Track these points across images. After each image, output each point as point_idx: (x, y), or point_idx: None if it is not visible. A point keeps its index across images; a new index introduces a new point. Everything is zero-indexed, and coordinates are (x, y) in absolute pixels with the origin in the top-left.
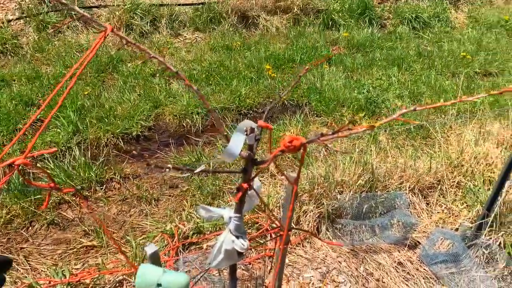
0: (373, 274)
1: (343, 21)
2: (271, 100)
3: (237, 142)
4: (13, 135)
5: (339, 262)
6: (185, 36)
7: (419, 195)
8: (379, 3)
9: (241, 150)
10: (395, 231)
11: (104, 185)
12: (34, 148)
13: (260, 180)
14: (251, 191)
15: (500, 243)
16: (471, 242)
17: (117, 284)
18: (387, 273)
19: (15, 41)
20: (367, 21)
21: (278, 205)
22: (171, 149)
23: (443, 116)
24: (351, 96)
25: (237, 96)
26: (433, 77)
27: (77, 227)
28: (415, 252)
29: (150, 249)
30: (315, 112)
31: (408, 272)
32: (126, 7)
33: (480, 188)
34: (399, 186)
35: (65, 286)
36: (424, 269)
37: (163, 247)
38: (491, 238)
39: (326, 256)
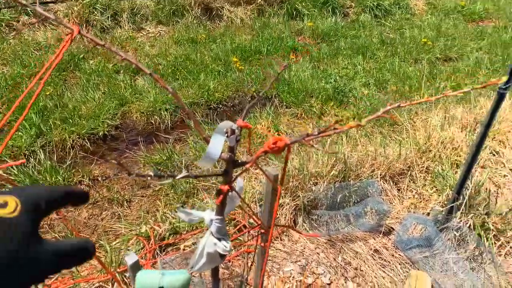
0: (351, 263)
1: (306, 11)
2: (241, 93)
3: (216, 145)
4: None
5: (318, 253)
6: (148, 30)
7: (390, 182)
8: None
9: (221, 152)
10: (369, 219)
11: None
12: None
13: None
14: (233, 192)
15: (470, 225)
16: (442, 226)
17: None
18: (364, 261)
19: None
20: (330, 10)
21: (253, 199)
22: (140, 148)
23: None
24: (319, 86)
25: (206, 91)
26: (397, 64)
27: (47, 234)
28: (389, 239)
29: (130, 259)
30: (284, 103)
31: (384, 259)
32: (85, 2)
33: (448, 172)
34: (370, 174)
35: None
36: (399, 254)
37: (139, 250)
38: (461, 221)
39: (304, 248)
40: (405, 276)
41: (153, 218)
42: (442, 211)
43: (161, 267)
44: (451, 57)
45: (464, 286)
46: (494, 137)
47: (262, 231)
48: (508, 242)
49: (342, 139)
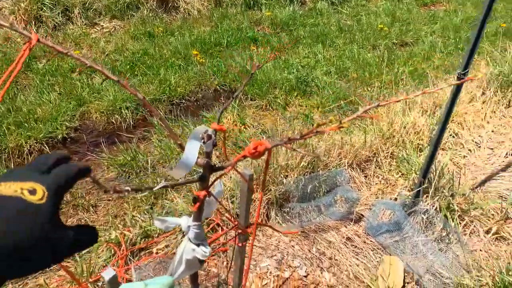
0: (326, 253)
1: (264, 0)
2: (203, 87)
3: (192, 151)
4: None
5: (292, 246)
6: (102, 26)
7: (358, 169)
8: None
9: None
10: (339, 207)
11: None
12: None
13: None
14: (210, 197)
15: (436, 207)
16: (410, 210)
17: None
18: (338, 250)
19: None
20: None
21: (225, 197)
22: (102, 149)
23: (369, 89)
24: (282, 76)
25: (167, 86)
26: (356, 51)
27: None
28: (360, 226)
29: (107, 274)
30: (249, 96)
31: (356, 246)
32: None
33: (412, 156)
34: (338, 163)
35: None
36: (370, 240)
37: (110, 257)
38: (428, 204)
39: (279, 242)
40: (378, 262)
41: (122, 223)
42: (409, 195)
43: (135, 273)
44: (407, 42)
45: (434, 267)
46: (453, 119)
47: (240, 231)
48: (472, 221)
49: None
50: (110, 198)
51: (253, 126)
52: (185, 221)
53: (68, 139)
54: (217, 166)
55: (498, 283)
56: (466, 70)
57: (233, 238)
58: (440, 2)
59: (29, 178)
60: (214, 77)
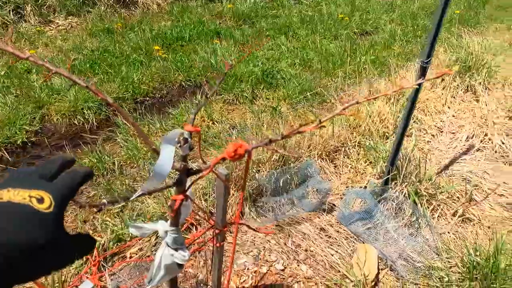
0: (301, 245)
1: None
2: (168, 83)
3: (167, 157)
4: None
5: (268, 240)
6: (58, 23)
7: (327, 159)
8: None
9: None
10: (312, 198)
11: None
12: None
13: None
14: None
15: (405, 193)
16: (380, 197)
17: None
18: (312, 241)
19: None
20: None
21: (197, 195)
22: (66, 152)
23: (333, 80)
24: (247, 70)
25: (130, 83)
26: (319, 42)
27: None
28: (333, 215)
29: (85, 286)
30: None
31: (330, 236)
32: None
33: (378, 144)
34: (309, 154)
35: None
36: (343, 230)
37: (82, 264)
38: (397, 191)
39: (254, 238)
40: (352, 250)
41: (92, 228)
42: (378, 183)
43: (109, 279)
44: (367, 31)
45: (406, 252)
46: (416, 106)
47: (217, 231)
48: (439, 205)
49: (278, 124)
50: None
51: (222, 121)
52: (162, 226)
53: (29, 144)
54: (194, 169)
55: (467, 263)
56: (429, 59)
57: (210, 239)
58: None
59: (36, 186)
60: (178, 72)
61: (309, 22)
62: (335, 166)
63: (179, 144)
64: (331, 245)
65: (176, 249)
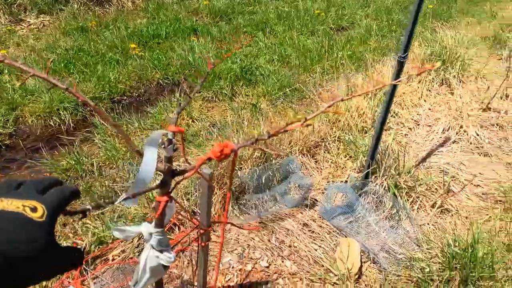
0: (285, 242)
1: None
2: (145, 82)
3: (150, 159)
4: None
5: (252, 238)
6: (29, 22)
7: (308, 155)
8: None
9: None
10: (294, 194)
11: None
12: None
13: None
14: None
15: (385, 186)
16: (361, 191)
17: None
18: (296, 237)
19: None
20: None
21: (179, 194)
22: (42, 155)
23: (311, 75)
24: (226, 67)
25: (107, 83)
26: (296, 38)
27: None
28: (315, 210)
29: None
30: (193, 88)
31: (313, 231)
32: None
33: (358, 138)
34: (290, 151)
35: None
36: (326, 224)
37: None
38: (377, 184)
39: (238, 235)
40: (335, 244)
41: (72, 231)
42: (359, 177)
43: (92, 283)
44: (343, 26)
45: (387, 244)
46: (393, 100)
47: (202, 231)
48: (418, 197)
49: (258, 121)
50: None
51: (201, 119)
52: (146, 228)
53: (3, 147)
54: (178, 170)
55: (447, 254)
56: (406, 53)
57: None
58: None
59: (29, 197)
60: (156, 70)
61: (286, 18)
62: (316, 161)
63: (163, 145)
64: (315, 240)
65: (161, 251)
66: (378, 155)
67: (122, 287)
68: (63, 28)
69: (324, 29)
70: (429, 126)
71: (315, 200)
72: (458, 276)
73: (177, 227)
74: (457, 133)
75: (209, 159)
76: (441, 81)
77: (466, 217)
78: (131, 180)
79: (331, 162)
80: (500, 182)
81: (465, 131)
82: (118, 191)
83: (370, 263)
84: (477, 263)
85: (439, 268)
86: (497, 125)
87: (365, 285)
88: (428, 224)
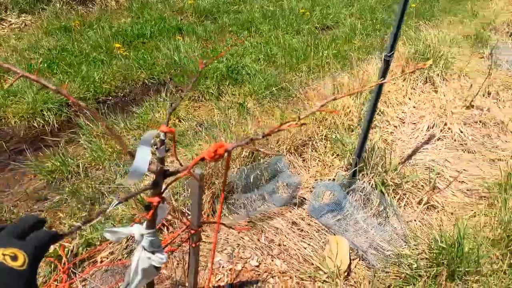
0: (274, 240)
1: None
2: (130, 82)
3: (143, 158)
4: None
5: (242, 237)
6: (10, 21)
7: (295, 154)
8: None
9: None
10: (282, 193)
11: None
12: None
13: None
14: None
15: (372, 184)
16: (348, 189)
17: None
18: (285, 236)
19: None
20: None
21: (167, 194)
22: (26, 157)
23: (298, 74)
24: (212, 66)
25: (91, 83)
26: (281, 37)
27: None
28: (304, 209)
29: None
30: (179, 87)
31: (302, 230)
32: None
33: (344, 136)
34: (278, 150)
35: None
36: (315, 222)
37: (50, 272)
38: (364, 182)
39: (228, 235)
40: (324, 242)
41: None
42: (346, 175)
43: (81, 286)
44: (328, 25)
45: (376, 241)
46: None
47: (192, 231)
48: (405, 194)
49: (246, 120)
50: (42, 208)
51: (188, 119)
52: (137, 230)
53: None
54: (170, 171)
55: (434, 249)
56: (392, 52)
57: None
58: None
59: (9, 244)
60: (141, 70)
61: (271, 17)
62: (304, 160)
63: (155, 146)
64: (304, 238)
65: (153, 252)
66: (365, 153)
67: None
68: (46, 28)
69: (309, 28)
70: (414, 123)
71: (303, 198)
72: (445, 271)
73: (165, 228)
74: (441, 131)
75: (203, 159)
76: (425, 79)
77: (452, 213)
78: (117, 181)
79: (319, 160)
80: (484, 178)
81: (449, 129)
82: (105, 192)
83: (359, 260)
84: (463, 258)
85: (427, 264)
86: (480, 122)
87: (354, 282)
88: (415, 220)
